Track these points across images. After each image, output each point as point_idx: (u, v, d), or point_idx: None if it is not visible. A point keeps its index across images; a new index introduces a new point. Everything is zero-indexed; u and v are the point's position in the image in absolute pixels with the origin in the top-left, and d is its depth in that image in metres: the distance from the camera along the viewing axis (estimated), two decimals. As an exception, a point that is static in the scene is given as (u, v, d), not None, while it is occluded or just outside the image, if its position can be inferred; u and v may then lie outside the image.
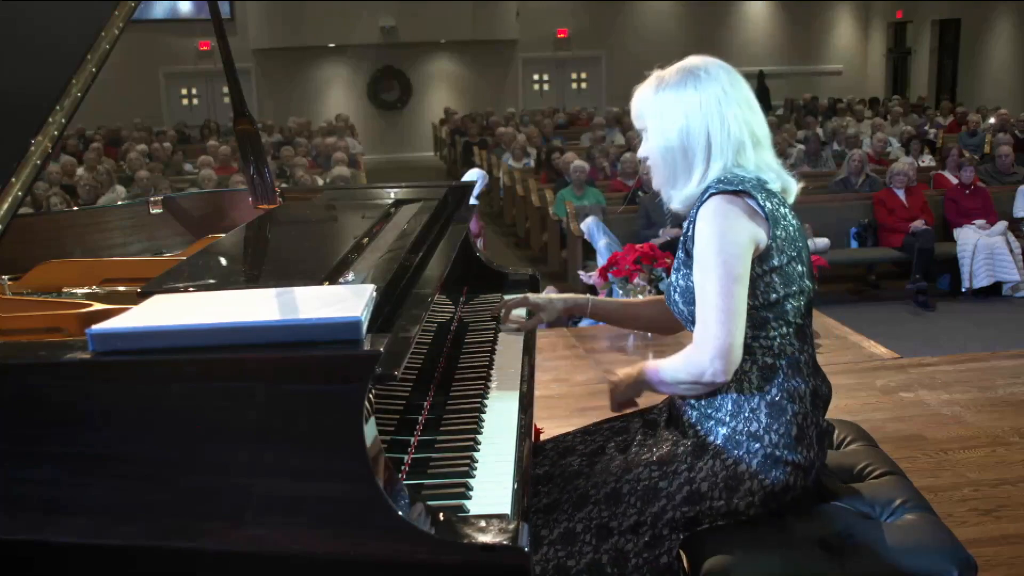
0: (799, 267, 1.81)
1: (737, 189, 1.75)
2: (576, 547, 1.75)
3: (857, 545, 1.74)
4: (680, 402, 1.91)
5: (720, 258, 1.72)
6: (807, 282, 1.83)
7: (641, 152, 1.91)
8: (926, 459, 3.36)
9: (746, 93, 1.84)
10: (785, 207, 1.83)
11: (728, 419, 1.80)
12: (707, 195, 1.77)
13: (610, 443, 1.93)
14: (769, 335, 1.80)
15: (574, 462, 1.90)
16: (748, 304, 1.76)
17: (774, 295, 1.79)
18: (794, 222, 1.83)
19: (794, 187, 1.88)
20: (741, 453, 1.78)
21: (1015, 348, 4.94)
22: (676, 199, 1.87)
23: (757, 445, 1.78)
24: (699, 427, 1.84)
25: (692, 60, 1.85)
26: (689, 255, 1.81)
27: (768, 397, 1.79)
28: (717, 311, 1.71)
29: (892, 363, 4.39)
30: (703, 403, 1.84)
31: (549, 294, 2.25)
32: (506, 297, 2.50)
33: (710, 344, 1.72)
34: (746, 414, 1.79)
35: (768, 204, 1.77)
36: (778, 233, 1.78)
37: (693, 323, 1.83)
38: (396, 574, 1.34)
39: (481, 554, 1.30)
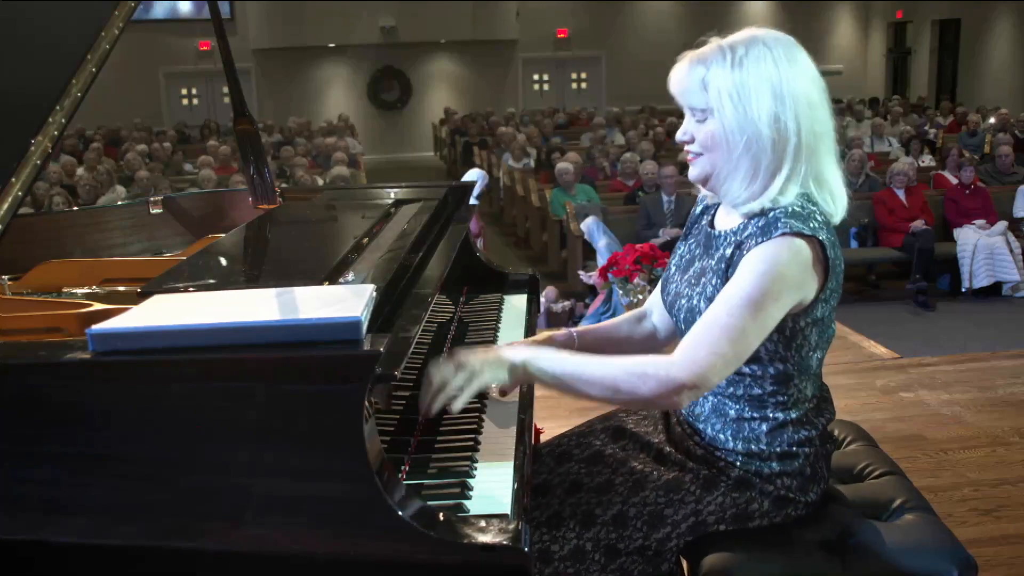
0: (833, 314, 1.72)
1: (811, 234, 1.58)
2: (585, 565, 1.73)
3: (857, 545, 1.73)
4: (680, 429, 1.84)
5: (764, 299, 1.55)
6: (834, 327, 1.74)
7: (683, 135, 1.67)
8: (926, 459, 3.37)
9: (817, 74, 1.62)
10: (838, 249, 1.66)
11: (738, 463, 1.74)
12: (778, 232, 1.57)
13: (607, 448, 1.88)
14: (788, 391, 1.71)
15: (572, 468, 1.86)
16: (778, 359, 1.67)
17: (806, 348, 1.68)
18: (842, 266, 1.67)
19: (843, 208, 1.69)
20: (753, 494, 1.73)
21: (1015, 348, 4.94)
22: (747, 203, 1.63)
23: (770, 487, 1.73)
24: (708, 463, 1.77)
25: (759, 32, 1.63)
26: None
27: (778, 449, 1.73)
28: (726, 345, 1.54)
29: (892, 363, 4.39)
30: (709, 447, 1.77)
31: (528, 340, 1.99)
32: (498, 341, 2.18)
33: (695, 372, 1.54)
34: (757, 464, 1.73)
35: (832, 252, 1.61)
36: (830, 284, 1.65)
37: None
38: (396, 574, 1.34)
39: (481, 554, 1.30)
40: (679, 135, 1.70)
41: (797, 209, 1.60)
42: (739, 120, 1.59)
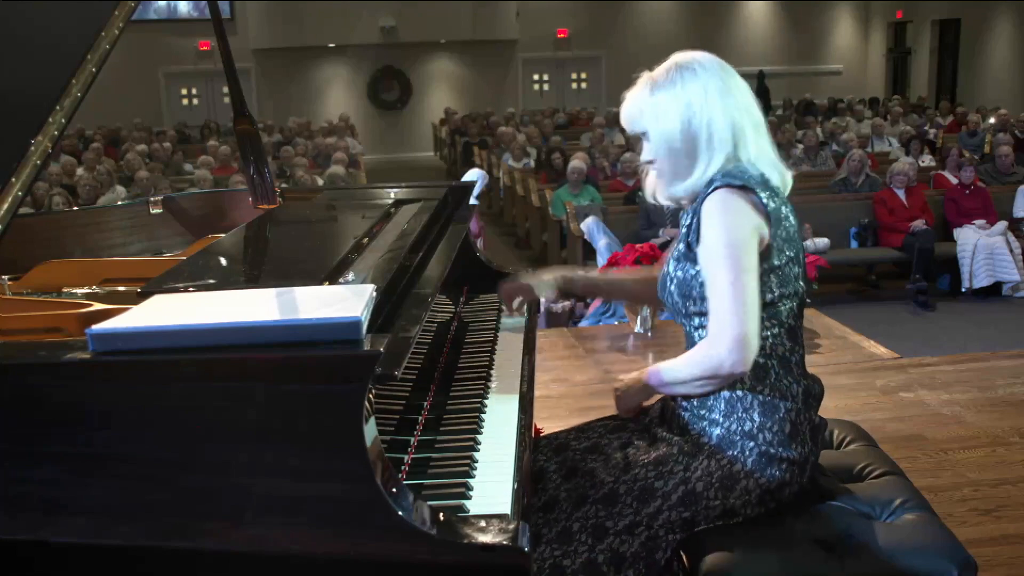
0: (795, 268, 1.82)
1: (743, 184, 1.75)
2: (572, 546, 1.75)
3: (857, 545, 1.74)
4: (673, 403, 1.91)
5: (728, 250, 1.72)
6: (801, 283, 1.84)
7: (645, 156, 1.89)
8: (926, 459, 3.36)
9: (738, 80, 1.84)
10: (786, 207, 1.82)
11: (721, 419, 1.81)
12: (712, 188, 1.77)
13: (604, 440, 1.93)
14: (761, 335, 1.79)
15: (569, 456, 1.90)
16: None
17: (769, 295, 1.79)
18: (794, 222, 1.83)
19: (790, 179, 1.89)
20: (736, 452, 1.79)
21: (1015, 348, 4.93)
22: (679, 193, 1.86)
23: (751, 444, 1.78)
24: (693, 427, 1.84)
25: (680, 56, 1.85)
26: (690, 248, 1.81)
27: (760, 396, 1.80)
28: (730, 301, 1.70)
29: (892, 363, 4.38)
30: (695, 404, 1.84)
31: (541, 276, 2.31)
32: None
33: (726, 335, 1.71)
34: (739, 413, 1.80)
35: (771, 203, 1.78)
36: (779, 232, 1.78)
37: (686, 316, 1.85)
38: (396, 574, 1.34)
39: (481, 554, 1.30)
40: (642, 157, 1.92)
41: (732, 170, 1.80)
42: (658, 134, 1.83)
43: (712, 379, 1.77)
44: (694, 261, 1.80)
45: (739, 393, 1.80)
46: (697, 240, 1.78)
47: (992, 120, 12.48)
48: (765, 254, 1.77)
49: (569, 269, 2.26)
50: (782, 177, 1.86)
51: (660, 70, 1.85)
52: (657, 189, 1.92)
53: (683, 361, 1.81)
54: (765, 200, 1.77)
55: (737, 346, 1.70)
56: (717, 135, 1.79)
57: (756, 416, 1.79)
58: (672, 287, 1.86)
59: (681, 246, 1.85)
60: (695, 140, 1.80)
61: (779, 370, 1.81)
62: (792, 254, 1.81)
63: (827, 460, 2.00)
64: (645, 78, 1.86)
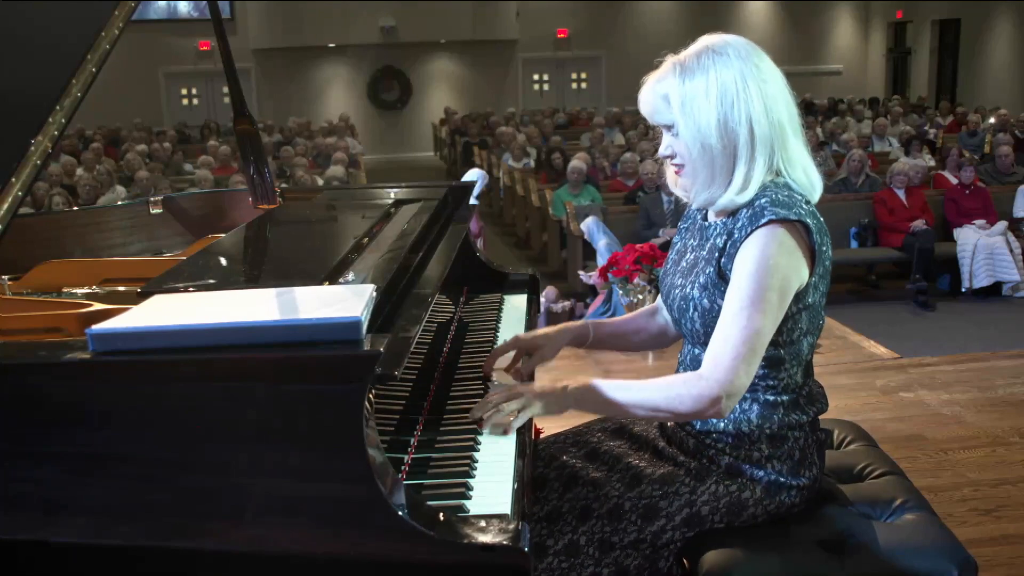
0: (823, 300, 1.75)
1: (796, 219, 1.62)
2: (579, 559, 1.74)
3: (857, 545, 1.74)
4: (672, 424, 1.86)
5: (766, 294, 1.60)
6: (823, 314, 1.78)
7: (665, 150, 1.73)
8: (926, 459, 3.37)
9: (773, 67, 1.69)
10: (826, 236, 1.69)
11: (729, 450, 1.77)
12: (764, 219, 1.62)
13: (603, 446, 1.91)
14: (779, 375, 1.74)
15: (570, 463, 1.88)
16: (770, 343, 1.67)
17: (797, 332, 1.72)
18: (830, 254, 1.72)
19: (821, 185, 1.74)
20: (744, 480, 1.76)
21: (1015, 348, 4.94)
22: (718, 204, 1.70)
23: (761, 473, 1.76)
24: (699, 453, 1.80)
25: (710, 39, 1.68)
26: (722, 276, 1.68)
27: (768, 431, 1.76)
28: (744, 348, 1.59)
29: (892, 363, 4.39)
30: (700, 432, 1.80)
31: (545, 328, 2.05)
32: (498, 340, 2.21)
33: (724, 381, 1.60)
34: (747, 447, 1.76)
35: (818, 238, 1.66)
36: (817, 270, 1.68)
37: (701, 344, 1.74)
38: (396, 574, 1.34)
39: (481, 554, 1.30)
40: (661, 151, 1.76)
41: (782, 198, 1.65)
42: (691, 129, 1.66)
43: (681, 415, 1.67)
44: (724, 292, 1.67)
45: (745, 429, 1.75)
46: (731, 267, 1.66)
47: (992, 120, 12.49)
48: (804, 292, 1.68)
49: (562, 332, 2.02)
50: (815, 187, 1.72)
51: (688, 53, 1.67)
52: (685, 190, 1.76)
53: (654, 386, 1.68)
54: (815, 236, 1.65)
55: (731, 396, 1.61)
56: (758, 131, 1.63)
57: (764, 448, 1.76)
58: (695, 315, 1.74)
59: (710, 270, 1.71)
60: (734, 136, 1.63)
61: (788, 406, 1.76)
62: (824, 289, 1.73)
63: (827, 460, 1.99)
64: (670, 62, 1.69)
